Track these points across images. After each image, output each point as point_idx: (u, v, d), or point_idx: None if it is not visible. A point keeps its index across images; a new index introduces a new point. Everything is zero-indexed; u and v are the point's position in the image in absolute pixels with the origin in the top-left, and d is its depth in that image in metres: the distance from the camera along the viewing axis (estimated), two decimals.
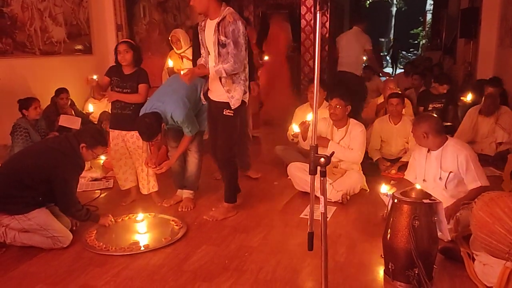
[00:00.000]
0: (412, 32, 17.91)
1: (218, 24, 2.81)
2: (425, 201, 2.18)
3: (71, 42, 5.35)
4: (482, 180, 2.72)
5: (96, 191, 3.88)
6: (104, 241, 2.82)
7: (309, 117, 3.76)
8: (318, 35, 1.47)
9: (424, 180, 2.91)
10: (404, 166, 4.10)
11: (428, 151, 2.91)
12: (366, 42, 5.47)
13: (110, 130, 3.44)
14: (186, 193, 3.48)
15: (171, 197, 3.54)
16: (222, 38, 2.78)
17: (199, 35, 3.01)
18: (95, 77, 3.48)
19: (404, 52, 18.74)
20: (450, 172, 2.78)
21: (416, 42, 17.88)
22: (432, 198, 2.21)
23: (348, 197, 3.48)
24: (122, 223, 3.14)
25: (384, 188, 3.07)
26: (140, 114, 3.13)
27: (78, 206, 2.87)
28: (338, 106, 3.56)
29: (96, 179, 4.13)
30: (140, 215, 3.13)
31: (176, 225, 3.06)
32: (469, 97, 5.21)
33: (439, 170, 2.82)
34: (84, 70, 5.36)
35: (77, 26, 5.43)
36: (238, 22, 2.78)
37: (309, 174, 1.47)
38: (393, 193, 2.28)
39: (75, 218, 2.95)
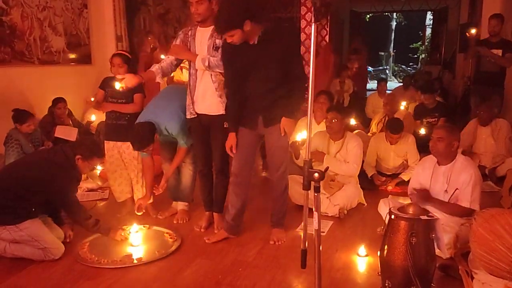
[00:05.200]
0: (411, 46, 17.99)
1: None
2: (422, 217, 2.14)
3: (70, 52, 5.35)
4: (474, 204, 2.70)
5: (92, 202, 3.84)
6: (97, 253, 2.77)
7: (299, 137, 3.67)
8: (314, 47, 1.45)
9: None
10: (402, 182, 4.09)
11: (437, 164, 2.86)
12: None
13: (105, 141, 3.41)
14: (181, 205, 3.44)
15: (166, 209, 3.50)
16: (218, 41, 2.85)
17: (186, 44, 2.95)
18: (93, 99, 3.52)
19: (403, 66, 18.85)
20: (456, 189, 2.74)
21: (415, 56, 17.96)
22: (430, 214, 2.18)
23: (345, 211, 3.44)
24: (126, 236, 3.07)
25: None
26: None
27: (85, 214, 2.85)
28: (334, 120, 3.54)
29: (92, 190, 4.09)
30: (135, 227, 3.09)
31: (171, 238, 3.01)
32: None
33: (446, 185, 2.79)
34: (83, 80, 5.38)
35: (77, 36, 5.44)
36: None
37: (303, 189, 1.44)
38: (390, 209, 2.24)
39: (83, 227, 2.87)
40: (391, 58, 19.21)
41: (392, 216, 2.21)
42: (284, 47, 2.64)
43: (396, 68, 19.04)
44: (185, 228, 3.21)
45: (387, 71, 18.19)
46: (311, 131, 1.53)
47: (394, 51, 19.29)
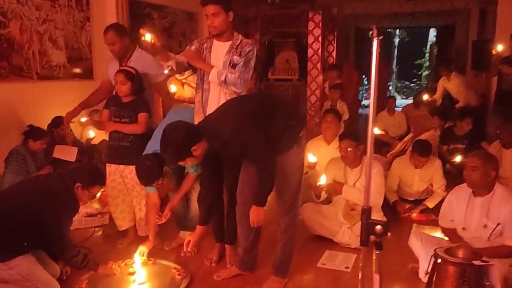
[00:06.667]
0: (416, 62, 17.86)
1: (236, 46, 2.70)
2: (475, 262, 1.85)
3: (71, 66, 5.09)
4: None
5: (90, 229, 3.53)
6: None
7: (323, 180, 3.29)
8: (376, 67, 1.20)
9: (463, 228, 2.59)
10: (426, 209, 3.80)
11: (473, 195, 2.59)
12: None
13: (107, 164, 3.14)
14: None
15: (172, 239, 3.20)
16: (235, 58, 2.68)
17: (201, 55, 2.77)
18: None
19: (407, 82, 18.71)
20: (498, 224, 2.45)
21: (420, 72, 17.82)
22: (484, 259, 1.89)
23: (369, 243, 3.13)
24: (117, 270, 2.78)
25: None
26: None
27: (73, 251, 2.52)
28: (349, 149, 3.24)
29: (91, 215, 3.79)
30: (138, 261, 2.79)
31: (178, 274, 2.71)
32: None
33: (484, 219, 2.50)
34: (84, 96, 5.08)
35: (78, 50, 5.19)
36: (255, 47, 2.76)
37: (360, 245, 1.16)
38: (435, 251, 1.95)
39: (70, 265, 2.61)
40: (394, 75, 19.08)
41: (439, 260, 1.92)
42: (236, 147, 2.34)
43: (399, 85, 18.89)
44: (194, 262, 2.90)
45: (390, 88, 18.03)
46: (370, 172, 1.25)
47: (397, 67, 19.17)
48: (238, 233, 2.70)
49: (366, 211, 1.16)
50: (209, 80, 2.72)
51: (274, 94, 2.84)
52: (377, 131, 4.60)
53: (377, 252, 1.18)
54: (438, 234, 3.19)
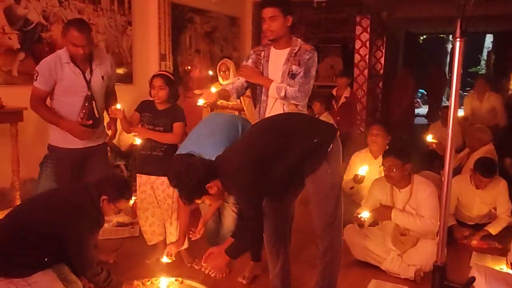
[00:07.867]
0: (470, 70, 16.87)
1: (295, 53, 2.52)
2: None
3: None
4: None
5: (118, 240, 3.40)
6: None
7: (365, 214, 2.95)
8: (458, 68, 0.95)
9: None
10: (489, 236, 3.38)
11: None
12: None
13: (137, 175, 2.98)
14: None
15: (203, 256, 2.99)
16: (294, 67, 2.52)
17: (258, 66, 2.64)
18: (119, 106, 2.95)
19: (459, 91, 17.75)
20: None
21: (474, 81, 16.84)
22: None
23: (422, 273, 2.78)
24: None
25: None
26: None
27: (96, 269, 2.36)
28: (393, 168, 2.88)
29: (121, 225, 3.67)
30: (164, 281, 2.60)
31: None
32: None
33: None
34: (124, 100, 4.98)
35: (119, 54, 5.14)
36: (315, 53, 2.58)
37: None
38: None
39: (92, 283, 2.47)
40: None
41: None
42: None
43: None
44: (225, 285, 2.67)
45: (443, 97, 17.17)
46: (446, 207, 0.94)
47: (449, 75, 18.24)
48: (267, 259, 2.46)
49: (440, 270, 0.87)
50: (270, 95, 2.59)
51: (291, 115, 2.53)
52: (430, 139, 4.15)
53: None
54: (504, 267, 2.78)
